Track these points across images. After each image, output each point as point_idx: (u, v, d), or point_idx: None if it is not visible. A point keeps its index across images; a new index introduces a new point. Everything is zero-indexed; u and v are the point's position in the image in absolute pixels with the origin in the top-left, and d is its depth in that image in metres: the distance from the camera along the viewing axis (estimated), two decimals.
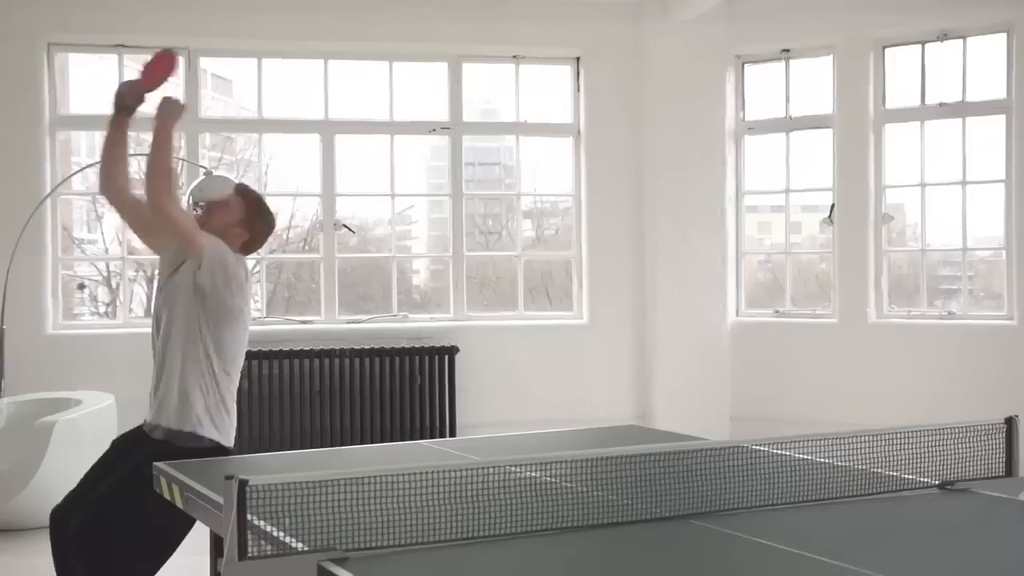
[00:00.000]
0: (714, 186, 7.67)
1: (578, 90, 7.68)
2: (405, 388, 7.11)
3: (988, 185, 7.19)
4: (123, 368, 6.89)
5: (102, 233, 8.27)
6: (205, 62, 7.40)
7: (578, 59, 7.67)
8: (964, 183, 7.20)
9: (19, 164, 6.92)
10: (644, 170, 7.64)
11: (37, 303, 6.97)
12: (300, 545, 2.07)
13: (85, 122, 7.28)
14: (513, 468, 2.45)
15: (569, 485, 2.58)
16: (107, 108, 3.76)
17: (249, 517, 2.03)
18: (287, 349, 7.04)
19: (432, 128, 7.53)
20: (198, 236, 3.54)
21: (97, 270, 8.41)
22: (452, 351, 7.24)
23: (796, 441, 2.70)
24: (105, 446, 3.71)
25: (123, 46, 7.13)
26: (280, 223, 7.76)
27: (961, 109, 7.17)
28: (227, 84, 8.27)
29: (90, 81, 7.34)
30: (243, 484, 2.01)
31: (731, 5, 7.54)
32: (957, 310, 7.22)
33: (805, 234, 8.24)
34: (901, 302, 7.46)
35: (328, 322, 7.35)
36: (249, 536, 2.01)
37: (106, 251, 8.23)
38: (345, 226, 7.42)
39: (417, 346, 7.21)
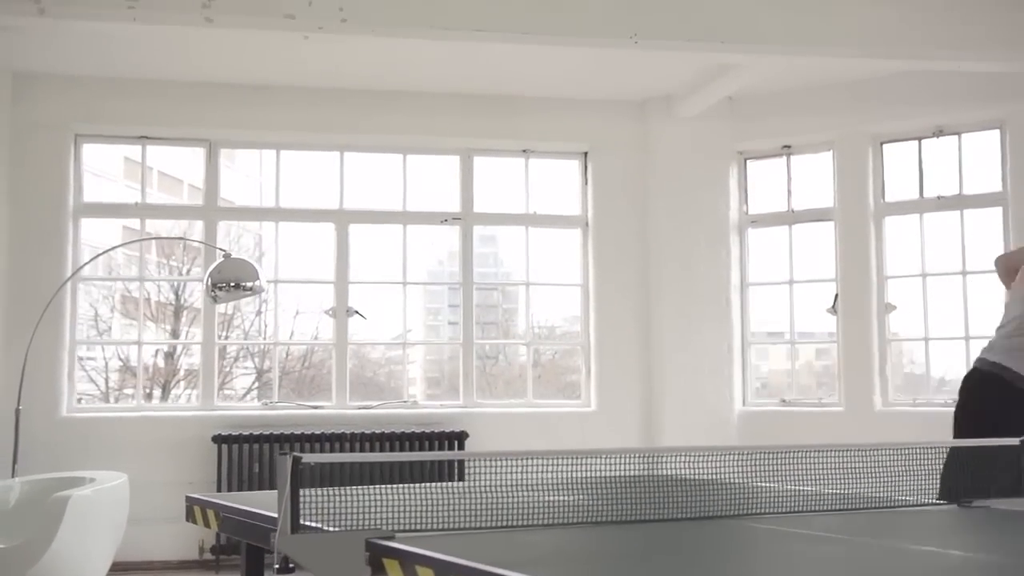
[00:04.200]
0: (719, 277, 7.83)
1: (586, 183, 7.91)
2: (416, 473, 7.13)
3: (988, 275, 7.33)
4: (136, 451, 6.96)
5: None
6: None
7: (586, 153, 7.92)
8: (964, 273, 7.36)
9: (42, 249, 7.09)
10: (650, 261, 7.81)
11: (53, 385, 7.05)
12: (349, 521, 2.14)
13: (107, 210, 7.49)
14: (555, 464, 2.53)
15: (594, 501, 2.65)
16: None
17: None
18: (298, 433, 7.10)
19: (444, 218, 7.73)
20: None
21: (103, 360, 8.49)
22: (462, 436, 7.29)
23: (816, 451, 2.78)
24: (118, 523, 3.77)
25: (147, 137, 7.38)
26: (291, 310, 7.92)
27: (958, 202, 7.38)
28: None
29: (109, 169, 7.59)
30: (296, 460, 2.10)
31: (733, 103, 7.82)
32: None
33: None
34: (907, 390, 7.54)
35: (339, 407, 7.42)
36: (302, 510, 2.08)
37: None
38: (357, 312, 7.54)
39: (427, 431, 7.27)
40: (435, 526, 2.21)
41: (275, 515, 2.22)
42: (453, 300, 8.27)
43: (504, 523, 2.30)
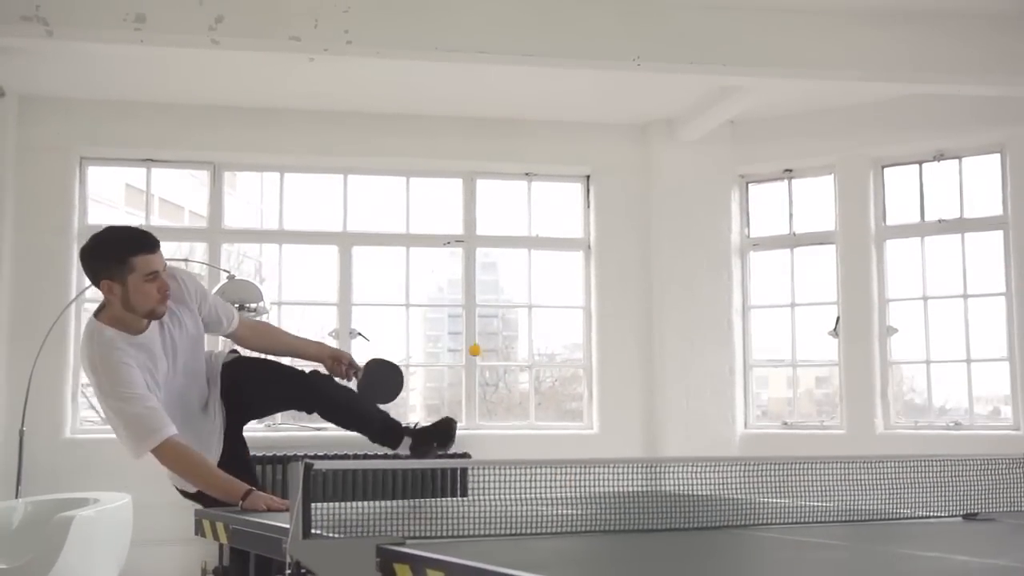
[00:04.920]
0: (721, 300, 7.85)
1: (588, 206, 7.95)
2: (421, 489, 7.12)
3: (989, 298, 7.36)
4: (139, 472, 6.89)
5: None
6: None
7: (588, 177, 7.96)
8: (965, 296, 7.38)
9: (47, 271, 7.11)
10: (652, 284, 7.84)
11: (57, 407, 7.06)
12: (360, 528, 2.15)
13: None
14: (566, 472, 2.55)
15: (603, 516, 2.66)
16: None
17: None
18: (300, 455, 7.08)
19: (447, 241, 7.77)
20: None
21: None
22: (464, 458, 7.28)
23: (824, 461, 2.80)
24: (122, 544, 3.83)
25: (151, 160, 7.42)
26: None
27: (959, 225, 7.41)
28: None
29: (111, 195, 7.62)
30: (308, 467, 2.11)
31: (734, 127, 7.87)
32: (963, 421, 7.31)
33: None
34: (908, 414, 7.55)
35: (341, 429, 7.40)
36: (313, 516, 2.10)
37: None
38: (360, 334, 7.56)
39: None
40: (443, 533, 2.23)
41: (285, 525, 2.24)
42: (452, 328, 8.29)
43: (511, 531, 2.31)
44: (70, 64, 6.55)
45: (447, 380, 8.35)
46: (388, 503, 2.28)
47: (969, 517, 2.75)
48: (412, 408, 8.11)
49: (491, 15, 5.58)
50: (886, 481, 2.75)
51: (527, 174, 7.92)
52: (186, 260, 7.94)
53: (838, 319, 7.64)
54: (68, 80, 6.86)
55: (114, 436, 7.17)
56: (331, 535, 2.16)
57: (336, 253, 7.62)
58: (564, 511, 2.44)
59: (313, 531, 2.10)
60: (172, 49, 5.46)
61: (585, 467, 2.64)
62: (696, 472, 2.77)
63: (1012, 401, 7.17)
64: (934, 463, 2.78)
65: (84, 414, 7.36)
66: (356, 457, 7.09)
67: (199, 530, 3.16)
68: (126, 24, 5.23)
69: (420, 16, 5.54)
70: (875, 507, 2.71)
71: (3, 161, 6.97)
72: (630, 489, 2.78)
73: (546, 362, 8.26)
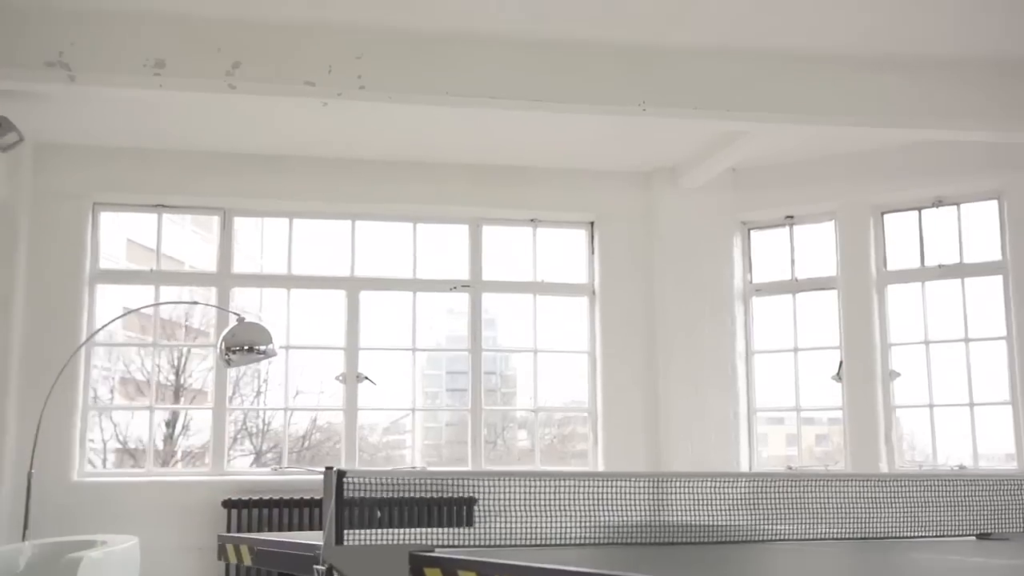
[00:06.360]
0: (724, 344, 7.93)
1: (592, 252, 8.05)
2: (423, 523, 7.14)
3: (990, 342, 7.43)
4: (147, 515, 6.98)
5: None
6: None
7: (592, 223, 8.07)
8: (967, 340, 7.46)
9: (58, 315, 7.18)
10: (656, 329, 7.91)
11: (65, 450, 7.09)
12: (392, 536, 2.21)
13: (123, 276, 7.60)
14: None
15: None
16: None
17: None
18: (307, 498, 7.12)
19: (453, 286, 7.85)
20: None
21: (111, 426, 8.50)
22: (470, 502, 7.30)
23: (841, 479, 2.85)
24: None
25: (163, 206, 7.53)
26: (301, 376, 7.96)
27: (959, 270, 7.51)
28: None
29: (113, 251, 7.70)
30: (341, 475, 2.17)
31: (736, 174, 7.99)
32: (968, 463, 7.35)
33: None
34: (913, 456, 7.58)
35: None
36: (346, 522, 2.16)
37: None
38: (367, 378, 7.61)
39: (436, 496, 7.28)
40: (469, 543, 2.28)
41: (311, 542, 2.29)
42: (451, 384, 8.31)
43: (534, 541, 2.37)
44: (86, 111, 6.68)
45: (445, 437, 8.37)
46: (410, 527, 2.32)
47: (983, 536, 2.80)
48: (410, 451, 8.10)
49: (501, 61, 5.70)
50: (900, 500, 2.80)
51: (532, 220, 8.03)
52: (196, 302, 8.02)
53: (841, 364, 7.70)
54: (83, 127, 6.99)
55: (123, 479, 7.16)
56: (363, 542, 2.21)
57: (344, 297, 7.70)
58: (575, 525, 2.50)
59: (346, 537, 2.16)
60: (188, 94, 5.57)
61: (596, 480, 2.70)
62: (706, 490, 2.82)
63: (1015, 443, 7.21)
64: (947, 482, 2.84)
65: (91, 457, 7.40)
66: (364, 501, 7.15)
67: (222, 555, 3.20)
68: (146, 69, 5.35)
69: (431, 62, 5.66)
70: (890, 526, 2.77)
71: (18, 206, 7.08)
72: (637, 519, 2.82)
73: (546, 418, 8.26)
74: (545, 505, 6.75)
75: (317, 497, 7.12)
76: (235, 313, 7.06)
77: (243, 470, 7.67)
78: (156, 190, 7.47)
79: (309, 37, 5.55)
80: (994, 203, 7.47)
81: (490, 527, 2.44)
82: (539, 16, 5.52)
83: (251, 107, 6.33)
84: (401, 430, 8.35)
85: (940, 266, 7.56)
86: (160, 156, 7.39)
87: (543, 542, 2.39)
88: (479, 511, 7.27)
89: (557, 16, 5.51)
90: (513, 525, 2.43)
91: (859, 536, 2.69)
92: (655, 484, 2.83)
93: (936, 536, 2.78)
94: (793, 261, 8.06)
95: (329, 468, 2.19)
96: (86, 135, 7.13)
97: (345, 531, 2.15)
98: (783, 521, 2.65)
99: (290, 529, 7.00)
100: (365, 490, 2.32)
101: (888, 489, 2.81)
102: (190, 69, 5.42)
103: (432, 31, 5.62)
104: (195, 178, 7.47)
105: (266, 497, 7.13)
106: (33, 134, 6.95)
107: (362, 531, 2.23)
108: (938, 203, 7.60)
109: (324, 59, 5.57)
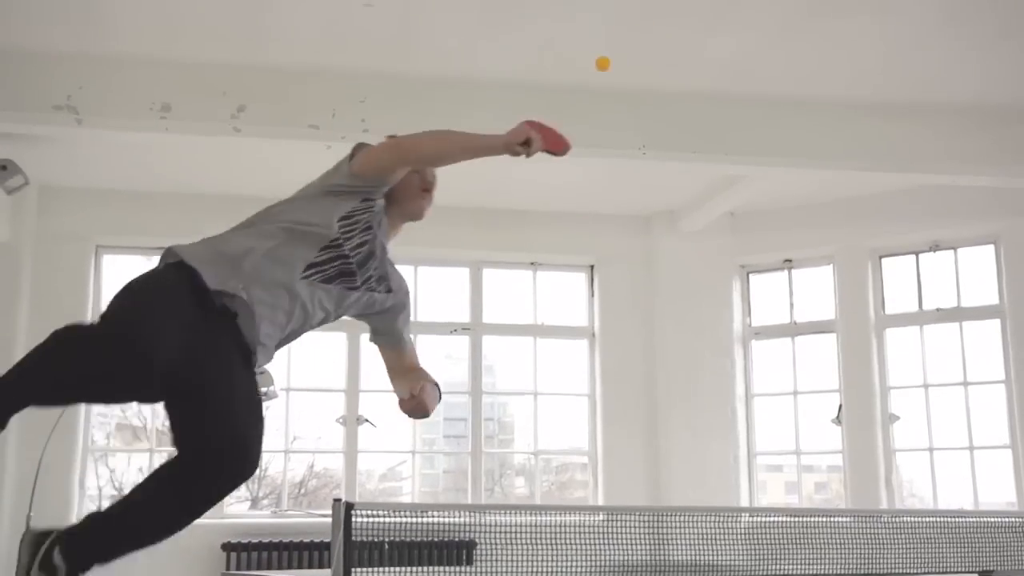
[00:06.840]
0: (724, 388, 7.94)
1: (592, 295, 8.09)
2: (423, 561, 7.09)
3: (989, 386, 7.44)
4: (145, 557, 6.89)
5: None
6: None
7: (592, 266, 8.12)
8: (966, 384, 7.47)
9: None
10: (656, 371, 7.93)
11: (64, 492, 7.07)
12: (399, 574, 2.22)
13: None
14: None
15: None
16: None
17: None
18: (307, 541, 7.09)
19: (454, 329, 7.88)
20: None
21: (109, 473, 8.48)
22: (470, 546, 7.27)
23: (841, 515, 2.86)
24: None
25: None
26: (299, 420, 7.96)
27: (957, 314, 7.54)
28: None
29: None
30: (349, 507, 2.19)
31: (735, 218, 8.05)
32: (968, 506, 7.33)
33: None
34: (913, 499, 7.56)
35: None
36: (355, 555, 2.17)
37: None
38: (368, 421, 7.61)
39: (436, 540, 7.24)
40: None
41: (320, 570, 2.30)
42: (448, 431, 8.31)
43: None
44: (90, 154, 6.73)
45: (441, 485, 8.36)
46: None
47: (986, 574, 2.82)
48: (409, 496, 8.06)
49: (502, 104, 5.76)
50: (903, 537, 2.82)
51: (533, 263, 8.07)
52: None
53: (840, 407, 7.71)
54: (87, 170, 7.04)
55: None
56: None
57: (345, 340, 7.71)
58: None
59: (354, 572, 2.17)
60: (194, 137, 5.63)
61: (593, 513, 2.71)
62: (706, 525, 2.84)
63: (1015, 486, 7.19)
64: (951, 519, 2.85)
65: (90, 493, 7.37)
66: (363, 544, 7.12)
67: None
68: (152, 113, 5.42)
69: (433, 106, 5.72)
70: (892, 564, 2.78)
71: (22, 248, 7.12)
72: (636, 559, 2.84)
73: (544, 465, 8.25)
74: (546, 546, 6.72)
75: (317, 540, 7.09)
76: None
77: (242, 513, 7.63)
78: (159, 233, 7.47)
79: (313, 81, 5.63)
80: (991, 247, 7.53)
81: (491, 569, 2.46)
82: (539, 61, 5.59)
83: (254, 150, 6.37)
84: (398, 477, 8.31)
85: (938, 310, 7.60)
86: (163, 199, 7.44)
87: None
88: (478, 555, 7.23)
89: (556, 61, 5.58)
90: (513, 567, 2.44)
91: (863, 573, 2.71)
92: (655, 520, 2.85)
93: (940, 572, 2.79)
94: (792, 305, 8.09)
95: (337, 500, 2.20)
96: (89, 178, 7.19)
97: (353, 569, 2.16)
98: (786, 560, 2.67)
99: (288, 565, 6.96)
100: (371, 531, 2.34)
101: (892, 527, 2.82)
102: (196, 112, 5.48)
103: (433, 76, 5.70)
104: (198, 221, 7.45)
105: (266, 540, 7.09)
106: (37, 177, 7.00)
107: (370, 569, 2.25)
108: (935, 247, 7.65)
109: (328, 103, 5.64)
